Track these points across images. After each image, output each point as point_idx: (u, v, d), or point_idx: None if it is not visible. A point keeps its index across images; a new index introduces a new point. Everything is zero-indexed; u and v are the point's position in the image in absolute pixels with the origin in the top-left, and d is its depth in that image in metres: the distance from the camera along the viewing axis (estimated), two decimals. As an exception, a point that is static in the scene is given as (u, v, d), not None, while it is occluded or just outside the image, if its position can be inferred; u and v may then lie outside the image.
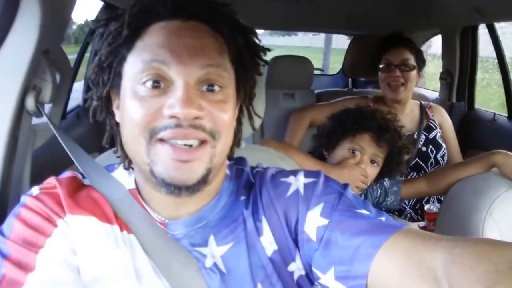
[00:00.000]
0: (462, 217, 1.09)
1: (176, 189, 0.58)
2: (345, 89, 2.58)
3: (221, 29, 0.62)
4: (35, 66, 0.87)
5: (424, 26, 2.27)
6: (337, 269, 0.58)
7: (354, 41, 2.45)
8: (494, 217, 1.02)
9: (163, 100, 0.57)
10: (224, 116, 0.60)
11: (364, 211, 0.62)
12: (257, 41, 0.67)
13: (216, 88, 0.60)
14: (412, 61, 1.84)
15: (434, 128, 1.90)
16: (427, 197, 1.75)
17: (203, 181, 0.59)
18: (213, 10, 0.63)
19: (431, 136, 1.88)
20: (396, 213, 1.78)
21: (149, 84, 0.58)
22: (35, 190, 0.64)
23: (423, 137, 1.87)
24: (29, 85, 0.89)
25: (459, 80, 2.28)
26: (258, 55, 0.68)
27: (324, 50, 6.22)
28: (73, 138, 1.83)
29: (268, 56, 0.73)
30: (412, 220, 1.75)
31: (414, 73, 1.84)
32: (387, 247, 0.54)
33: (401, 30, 2.17)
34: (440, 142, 1.88)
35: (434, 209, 1.54)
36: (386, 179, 1.41)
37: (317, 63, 4.73)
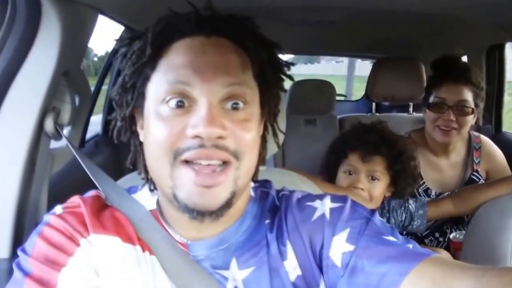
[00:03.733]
0: (489, 238, 1.06)
1: (199, 214, 0.57)
2: (368, 114, 2.52)
3: (245, 45, 0.62)
4: (54, 87, 0.87)
5: (448, 47, 2.22)
6: None
7: (377, 64, 2.40)
8: None
9: (186, 120, 0.57)
10: (247, 135, 0.59)
11: (391, 238, 0.61)
12: (280, 56, 0.67)
13: (240, 105, 0.59)
14: (471, 102, 1.49)
15: (477, 180, 1.59)
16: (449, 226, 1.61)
17: (227, 205, 0.58)
18: (237, 25, 0.62)
19: None
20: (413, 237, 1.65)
21: (173, 103, 0.58)
22: (58, 209, 0.64)
23: None
24: (48, 107, 0.88)
25: (485, 102, 2.20)
26: (282, 70, 0.67)
27: (347, 77, 6.22)
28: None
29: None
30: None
31: (471, 117, 1.50)
32: (413, 275, 0.53)
33: (433, 51, 2.06)
34: None
35: (460, 237, 1.44)
36: (411, 202, 1.34)
37: (340, 90, 4.72)
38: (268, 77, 0.65)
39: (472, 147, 1.62)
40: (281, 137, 0.73)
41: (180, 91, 0.58)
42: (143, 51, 0.60)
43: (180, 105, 0.58)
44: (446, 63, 1.59)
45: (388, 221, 1.36)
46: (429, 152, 1.61)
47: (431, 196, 1.60)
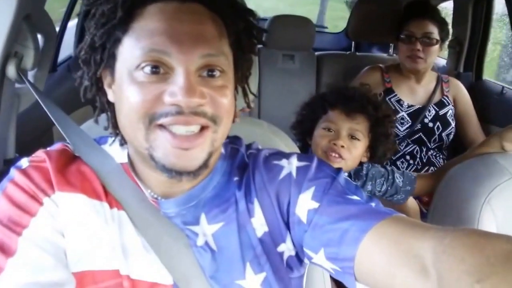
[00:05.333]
0: (458, 202, 1.05)
1: (177, 174, 0.58)
2: (348, 53, 2.47)
3: (221, 13, 0.60)
4: (15, 33, 0.82)
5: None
6: (326, 251, 0.59)
7: (360, 2, 2.31)
8: (492, 206, 0.97)
9: (163, 87, 0.56)
10: (224, 100, 0.59)
11: (355, 197, 0.62)
12: (255, 23, 0.65)
13: (216, 73, 0.58)
14: (436, 34, 1.76)
15: (447, 104, 1.84)
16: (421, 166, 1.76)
17: (204, 166, 0.59)
18: None
19: (441, 112, 1.82)
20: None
21: (148, 69, 0.56)
22: (24, 162, 0.63)
23: (433, 112, 1.81)
24: (10, 52, 0.84)
25: (468, 49, 2.17)
26: (257, 38, 0.66)
27: (320, 3, 6.08)
28: (64, 91, 1.79)
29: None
30: None
31: (436, 47, 1.77)
32: (374, 232, 0.55)
33: None
34: (450, 120, 1.82)
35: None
36: (397, 176, 1.30)
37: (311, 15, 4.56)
38: (243, 45, 0.64)
39: (441, 80, 1.88)
40: (251, 98, 0.73)
41: (155, 59, 0.56)
42: (113, 12, 0.57)
43: (155, 71, 0.56)
44: (414, 6, 1.86)
45: (363, 186, 1.31)
46: (403, 77, 1.86)
47: (403, 106, 1.82)
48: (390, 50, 2.42)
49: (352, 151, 1.19)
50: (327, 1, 6.28)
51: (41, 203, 0.59)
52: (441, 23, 1.78)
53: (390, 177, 1.29)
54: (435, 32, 1.75)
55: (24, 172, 0.61)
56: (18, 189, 0.59)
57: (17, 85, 0.93)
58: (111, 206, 0.63)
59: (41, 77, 0.98)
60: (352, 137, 1.19)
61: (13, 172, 0.61)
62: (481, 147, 1.18)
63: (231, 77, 0.62)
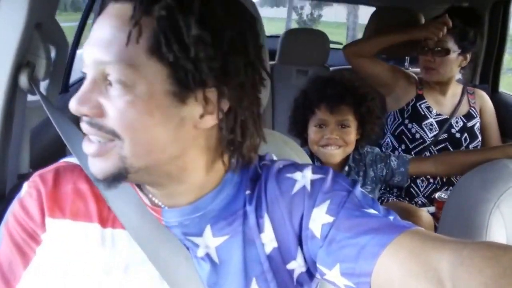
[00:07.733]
0: (468, 208, 1.04)
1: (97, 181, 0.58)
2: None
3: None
4: (27, 42, 0.83)
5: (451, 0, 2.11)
6: (342, 266, 0.56)
7: (376, 14, 2.27)
8: (502, 210, 0.96)
9: None
10: (120, 111, 0.54)
11: (372, 211, 0.60)
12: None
13: (115, 85, 0.55)
14: (450, 44, 1.70)
15: (475, 116, 1.82)
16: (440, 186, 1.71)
17: (115, 179, 0.57)
18: None
19: (469, 124, 1.80)
20: (407, 199, 1.74)
21: None
22: (24, 187, 0.64)
23: (460, 123, 1.79)
24: (22, 62, 0.84)
25: (484, 61, 2.13)
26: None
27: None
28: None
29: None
30: (423, 206, 1.70)
31: (449, 57, 1.71)
32: (393, 246, 0.53)
33: (437, 4, 2.02)
34: (478, 133, 1.79)
35: (444, 196, 1.51)
36: (393, 159, 1.40)
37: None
38: (163, 50, 0.54)
39: (466, 92, 1.86)
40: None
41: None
42: None
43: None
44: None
45: (366, 173, 1.40)
46: (431, 88, 1.83)
47: (432, 113, 1.80)
48: (405, 64, 2.38)
49: (346, 138, 1.32)
50: (291, 22, 6.72)
51: (34, 251, 0.61)
52: (461, 33, 1.71)
53: (388, 161, 1.41)
54: (449, 41, 1.70)
55: (21, 202, 0.62)
56: (18, 225, 0.61)
57: (29, 99, 0.94)
58: (104, 226, 0.62)
59: (53, 89, 0.98)
60: (342, 125, 1.32)
61: (15, 202, 0.63)
62: (501, 152, 1.20)
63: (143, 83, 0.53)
